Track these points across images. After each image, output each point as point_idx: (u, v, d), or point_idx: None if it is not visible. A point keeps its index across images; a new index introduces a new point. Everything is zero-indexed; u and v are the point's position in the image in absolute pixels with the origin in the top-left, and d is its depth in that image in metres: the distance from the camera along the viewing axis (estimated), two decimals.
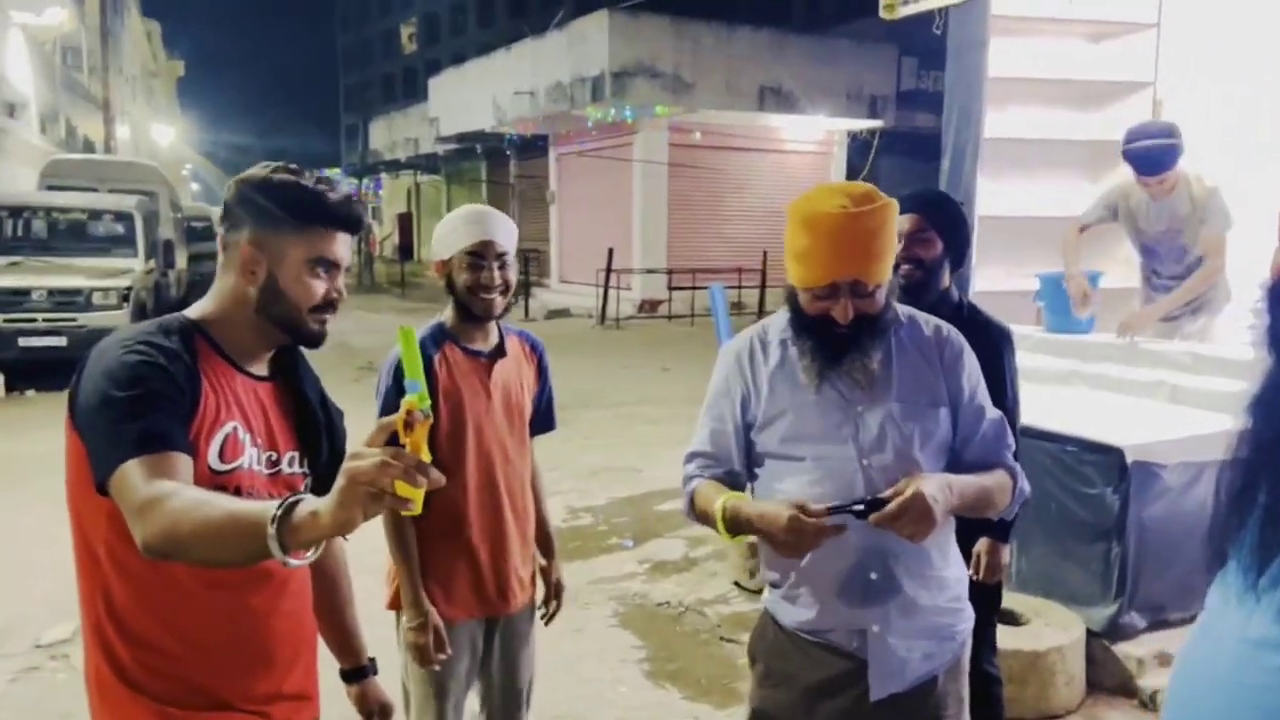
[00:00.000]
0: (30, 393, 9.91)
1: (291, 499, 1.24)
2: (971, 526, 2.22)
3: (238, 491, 1.56)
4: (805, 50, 19.73)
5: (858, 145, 21.04)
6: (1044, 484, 3.59)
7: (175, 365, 1.51)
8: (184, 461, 1.45)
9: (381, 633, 2.33)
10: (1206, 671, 1.12)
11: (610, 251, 17.81)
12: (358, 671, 1.96)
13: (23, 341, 10.08)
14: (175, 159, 39.27)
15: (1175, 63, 5.30)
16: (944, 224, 2.67)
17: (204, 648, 1.56)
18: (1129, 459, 3.42)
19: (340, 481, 1.18)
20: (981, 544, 2.68)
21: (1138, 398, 4.10)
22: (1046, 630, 3.47)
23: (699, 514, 1.91)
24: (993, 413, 1.90)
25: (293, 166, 1.63)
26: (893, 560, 1.79)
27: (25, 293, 10.21)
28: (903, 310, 1.92)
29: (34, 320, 10.16)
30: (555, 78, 19.74)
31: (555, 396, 2.60)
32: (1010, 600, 3.47)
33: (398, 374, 2.24)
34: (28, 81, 17.71)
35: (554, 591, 2.62)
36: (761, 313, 15.78)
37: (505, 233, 2.33)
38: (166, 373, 1.49)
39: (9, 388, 10.00)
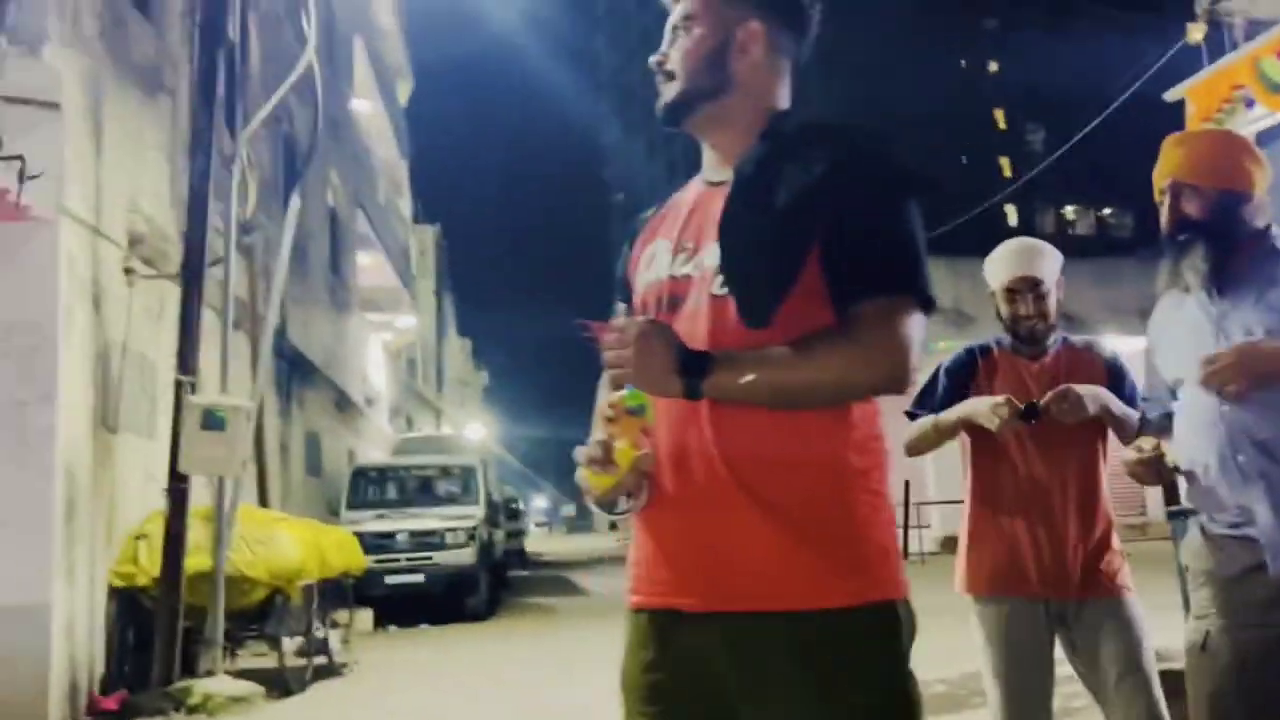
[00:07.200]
0: (392, 628, 10.85)
1: None
2: None
3: None
4: (1087, 273, 19.55)
5: None
6: None
7: None
8: None
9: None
10: None
11: (906, 484, 17.46)
12: None
13: (389, 580, 11.24)
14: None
15: None
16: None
17: None
18: None
19: None
20: None
21: None
22: None
23: None
24: None
25: None
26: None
27: (391, 536, 11.55)
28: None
29: (398, 560, 11.41)
30: None
31: None
32: None
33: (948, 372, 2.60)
34: (382, 382, 20.93)
35: None
36: None
37: (1045, 265, 2.47)
38: None
39: (376, 623, 11.05)
